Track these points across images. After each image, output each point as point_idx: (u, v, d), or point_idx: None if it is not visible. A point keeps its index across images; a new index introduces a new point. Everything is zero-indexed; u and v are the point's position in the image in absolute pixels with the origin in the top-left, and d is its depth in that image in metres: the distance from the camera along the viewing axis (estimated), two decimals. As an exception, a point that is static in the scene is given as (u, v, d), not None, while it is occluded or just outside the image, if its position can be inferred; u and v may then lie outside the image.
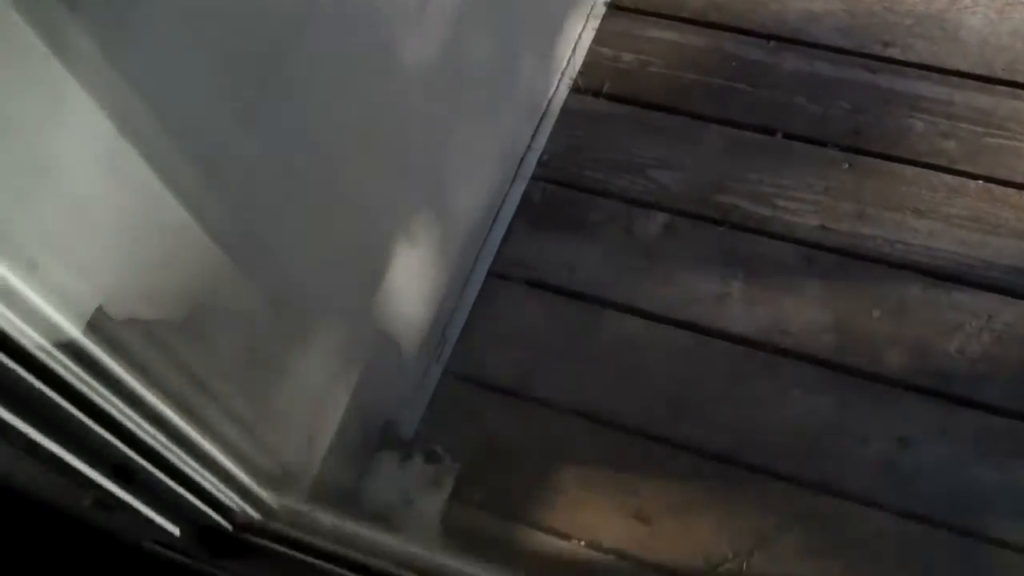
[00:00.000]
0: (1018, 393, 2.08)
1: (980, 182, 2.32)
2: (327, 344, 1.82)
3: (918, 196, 2.32)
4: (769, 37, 2.57)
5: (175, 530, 1.18)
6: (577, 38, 2.61)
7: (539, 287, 2.30)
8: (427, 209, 2.11)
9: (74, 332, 0.90)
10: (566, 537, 2.01)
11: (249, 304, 1.51)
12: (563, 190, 2.43)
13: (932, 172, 2.34)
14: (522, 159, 2.48)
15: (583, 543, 2.01)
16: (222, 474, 1.19)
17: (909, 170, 2.35)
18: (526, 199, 2.43)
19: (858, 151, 2.39)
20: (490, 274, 2.33)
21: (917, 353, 2.14)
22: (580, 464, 2.09)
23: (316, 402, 1.85)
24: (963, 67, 2.46)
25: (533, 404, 2.16)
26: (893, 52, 2.51)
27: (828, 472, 2.03)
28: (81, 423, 0.92)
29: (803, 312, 2.20)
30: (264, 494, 1.28)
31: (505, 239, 2.37)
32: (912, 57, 2.50)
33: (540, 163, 2.47)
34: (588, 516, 2.03)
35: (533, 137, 2.51)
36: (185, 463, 1.11)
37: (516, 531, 2.02)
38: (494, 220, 2.40)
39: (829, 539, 1.97)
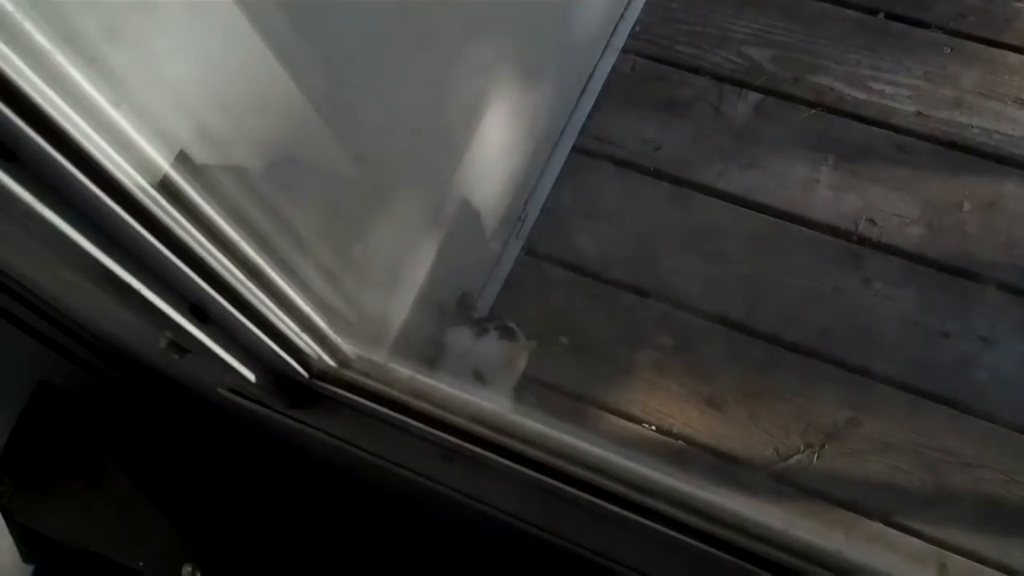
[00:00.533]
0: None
1: (1087, 73, 2.24)
2: (408, 208, 1.82)
3: (1021, 85, 2.24)
4: (878, -91, 2.47)
5: (251, 375, 1.19)
6: (676, -97, 2.53)
7: (624, 165, 2.28)
8: (514, 73, 2.08)
9: (163, 165, 0.92)
10: (636, 421, 2.03)
11: (334, 159, 1.51)
12: (654, 64, 2.39)
13: (1037, 60, 2.26)
14: (615, 29, 2.43)
15: (653, 427, 2.03)
16: (301, 319, 1.19)
17: (1013, 57, 2.27)
18: (616, 71, 2.39)
19: (961, 35, 2.31)
20: (575, 149, 2.31)
21: (1006, 250, 2.10)
22: (655, 348, 2.09)
23: (396, 265, 1.87)
24: (1080, -51, 2.35)
25: (611, 286, 2.16)
26: (1007, -71, 2.40)
27: (905, 367, 2.02)
28: (159, 253, 0.93)
29: (891, 202, 2.16)
30: (342, 343, 1.28)
31: (592, 113, 2.34)
32: (1026, -64, 2.39)
33: (632, 34, 2.43)
34: (660, 401, 2.04)
35: (627, 6, 2.46)
36: (263, 304, 1.10)
37: (586, 412, 2.05)
38: (582, 91, 2.37)
39: (900, 435, 1.97)
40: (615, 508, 1.14)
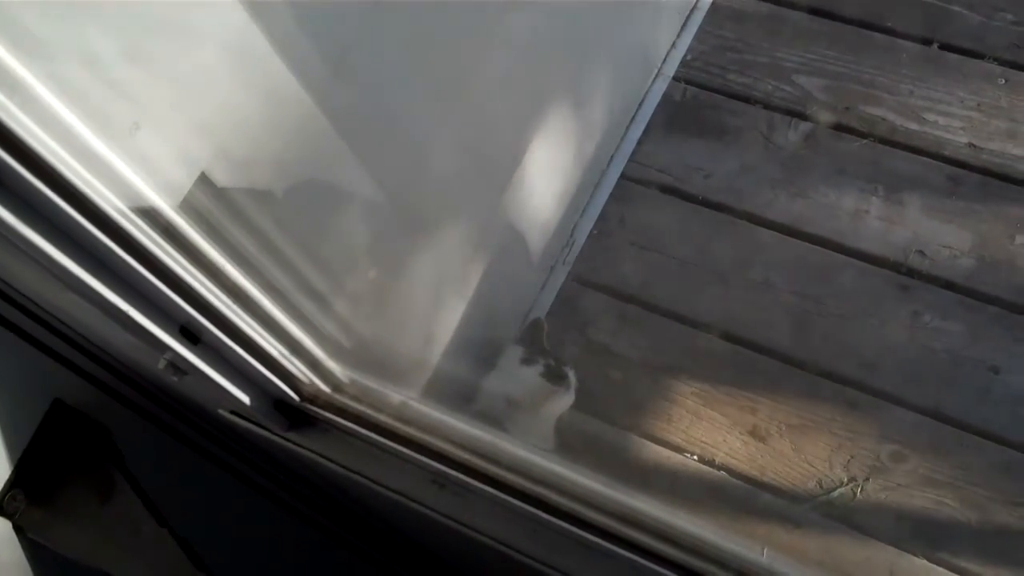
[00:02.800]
0: None
1: None
2: (449, 233, 1.84)
3: (1077, 118, 2.22)
4: (934, -61, 2.46)
5: (245, 398, 1.21)
6: (732, -68, 2.53)
7: (672, 193, 2.28)
8: (565, 100, 2.10)
9: (154, 198, 0.94)
10: (678, 450, 2.03)
11: (361, 188, 1.52)
12: (704, 92, 2.39)
13: (1094, 93, 2.24)
14: (666, 57, 2.44)
15: (695, 457, 2.02)
16: (291, 343, 1.21)
17: (1070, 89, 2.25)
18: (666, 99, 2.39)
19: (1017, 66, 2.29)
20: (624, 176, 2.31)
21: (1059, 284, 2.07)
22: (700, 378, 2.09)
23: (436, 287, 1.87)
24: None
25: (657, 314, 2.16)
26: (1065, -40, 2.37)
27: (953, 402, 2.00)
28: (143, 277, 0.95)
29: (941, 234, 2.15)
30: (336, 367, 1.30)
31: (642, 140, 2.35)
32: (1085, -33, 2.36)
33: (684, 62, 2.43)
34: (703, 431, 2.04)
35: (679, 34, 2.46)
36: (251, 327, 1.12)
37: (628, 441, 2.04)
38: (632, 119, 2.38)
39: (946, 471, 1.95)
40: (598, 540, 1.15)
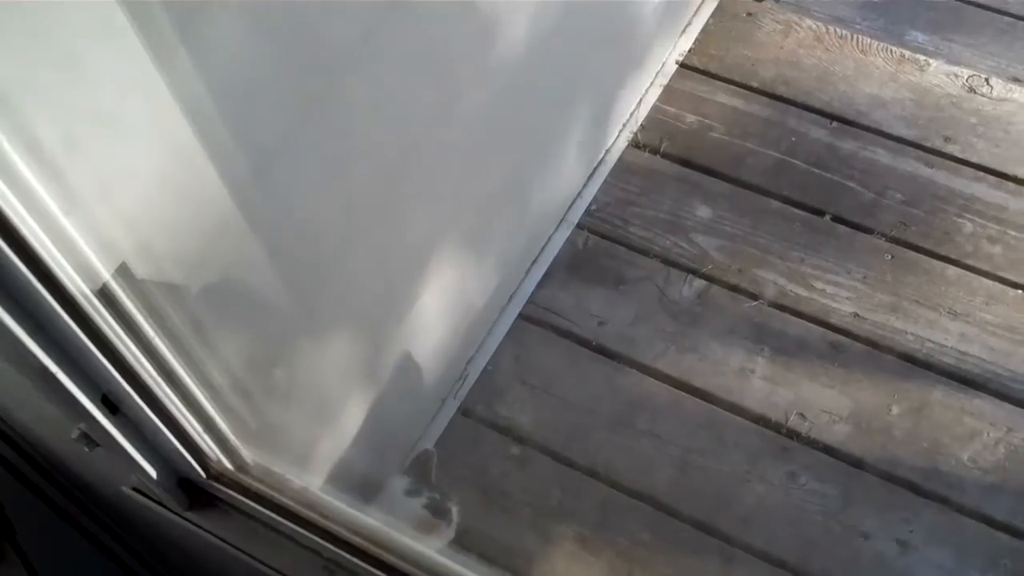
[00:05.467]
0: (1025, 512, 2.08)
1: (1020, 291, 2.32)
2: (345, 347, 1.86)
3: (956, 297, 2.32)
4: (833, 117, 2.58)
5: (152, 472, 1.23)
6: (644, 93, 2.64)
7: (568, 336, 2.33)
8: (470, 237, 2.15)
9: (103, 272, 0.98)
10: (553, 593, 2.04)
11: (275, 293, 1.55)
12: (606, 242, 2.46)
13: (973, 275, 2.35)
14: (571, 205, 2.51)
15: (569, 600, 2.03)
16: (205, 419, 1.24)
17: (951, 270, 2.36)
18: (569, 245, 2.46)
19: (903, 243, 2.40)
20: (521, 316, 2.36)
21: (929, 456, 2.14)
22: (580, 522, 2.11)
23: (325, 396, 1.88)
24: (1021, 173, 2.46)
25: (543, 454, 2.19)
26: (953, 149, 2.51)
27: (822, 565, 2.04)
28: (80, 342, 0.98)
29: (822, 398, 2.22)
30: (242, 447, 1.32)
31: (542, 282, 2.40)
32: (972, 156, 2.50)
33: (588, 211, 2.50)
34: (579, 575, 2.05)
35: (586, 184, 2.54)
36: (170, 399, 1.15)
37: (505, 579, 2.05)
38: (534, 261, 2.43)
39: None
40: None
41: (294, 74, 1.41)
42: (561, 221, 2.48)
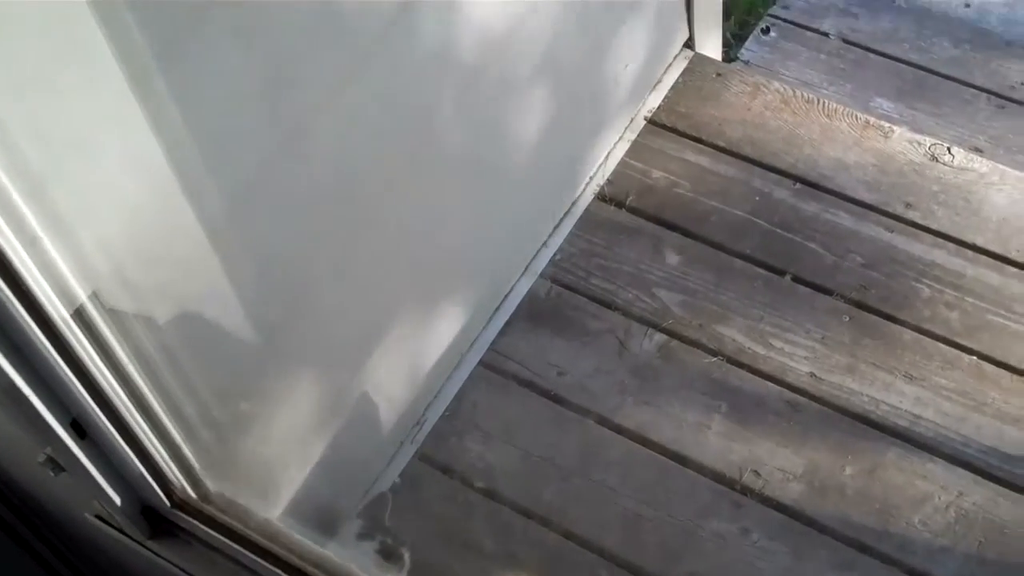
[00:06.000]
0: (973, 576, 2.09)
1: (974, 358, 2.34)
2: (306, 384, 1.87)
3: (912, 361, 2.34)
4: (796, 179, 2.62)
5: (117, 499, 1.24)
6: (612, 147, 2.67)
7: (527, 386, 2.34)
8: (433, 283, 2.17)
9: (80, 295, 1.00)
10: (502, 641, 2.04)
11: (243, 327, 1.57)
12: (568, 293, 2.48)
13: (930, 340, 2.37)
14: (536, 254, 2.53)
15: (518, 649, 2.03)
16: (171, 446, 1.25)
17: (908, 334, 2.38)
18: (532, 295, 2.48)
19: (861, 306, 2.42)
20: (482, 363, 2.37)
21: (881, 517, 2.16)
22: (532, 571, 2.12)
23: (286, 440, 1.89)
24: (979, 242, 2.50)
25: (497, 502, 2.19)
26: (914, 215, 2.54)
27: (770, 621, 2.05)
28: (54, 363, 0.99)
29: (777, 456, 2.23)
30: (206, 477, 1.34)
31: (504, 331, 2.42)
32: (932, 223, 2.53)
33: (552, 261, 2.52)
34: (528, 624, 2.06)
35: (551, 234, 2.56)
36: (139, 425, 1.16)
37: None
38: (497, 309, 2.45)
39: None
40: None
41: (268, 112, 1.43)
42: (525, 270, 2.50)
